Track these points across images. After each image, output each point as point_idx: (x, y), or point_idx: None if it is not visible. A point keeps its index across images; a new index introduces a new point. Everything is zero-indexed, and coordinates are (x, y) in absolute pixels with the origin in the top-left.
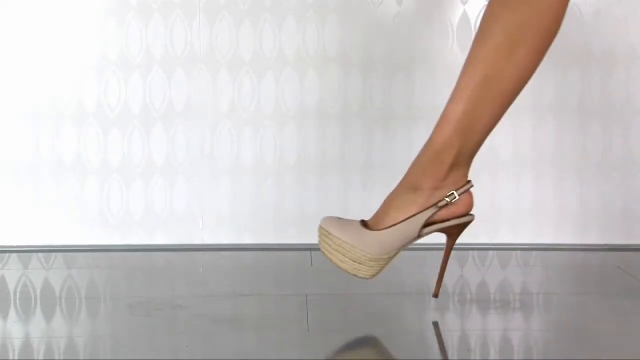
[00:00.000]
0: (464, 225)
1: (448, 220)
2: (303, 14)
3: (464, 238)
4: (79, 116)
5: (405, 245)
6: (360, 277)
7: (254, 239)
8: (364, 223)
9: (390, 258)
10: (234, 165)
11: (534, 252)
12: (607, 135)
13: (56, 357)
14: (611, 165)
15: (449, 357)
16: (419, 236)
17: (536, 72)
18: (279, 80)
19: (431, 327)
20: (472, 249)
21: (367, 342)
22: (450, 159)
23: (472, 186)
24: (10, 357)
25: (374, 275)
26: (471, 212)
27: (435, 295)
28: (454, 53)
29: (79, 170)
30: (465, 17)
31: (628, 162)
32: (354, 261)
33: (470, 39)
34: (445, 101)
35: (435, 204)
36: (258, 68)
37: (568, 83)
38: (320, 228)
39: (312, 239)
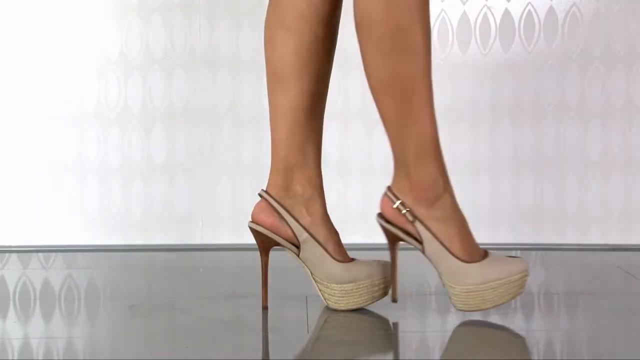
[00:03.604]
0: (257, 237)
1: None
2: None
3: None
4: (79, 116)
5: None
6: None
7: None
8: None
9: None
10: (234, 165)
11: (533, 252)
12: (607, 135)
13: (55, 358)
14: (611, 165)
15: (450, 357)
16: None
17: (536, 72)
18: None
19: (431, 327)
20: None
21: (367, 342)
22: None
23: (259, 194)
24: (10, 358)
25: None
26: (252, 221)
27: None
28: (454, 53)
29: (79, 170)
30: (465, 17)
31: (628, 162)
32: None
33: (470, 39)
34: (445, 100)
35: None
36: (258, 68)
37: (568, 83)
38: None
39: None
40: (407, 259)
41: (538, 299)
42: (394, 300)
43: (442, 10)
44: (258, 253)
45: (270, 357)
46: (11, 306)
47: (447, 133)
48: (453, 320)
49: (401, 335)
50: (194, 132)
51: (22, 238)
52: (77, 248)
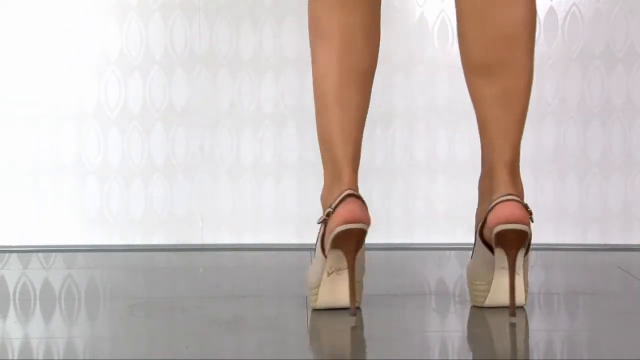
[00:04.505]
0: (353, 238)
1: (326, 236)
2: (303, 14)
3: (464, 237)
4: (79, 116)
5: (332, 269)
6: (313, 308)
7: (254, 239)
8: None
9: (319, 286)
10: (234, 165)
11: (534, 252)
12: (607, 135)
13: (55, 358)
14: (611, 165)
15: (450, 358)
16: (326, 257)
17: (536, 72)
18: (279, 80)
19: (431, 327)
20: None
21: (367, 342)
22: (328, 176)
23: (349, 194)
24: (10, 358)
25: (318, 305)
26: (355, 222)
27: (353, 313)
28: (454, 53)
29: (79, 170)
30: None
31: (628, 162)
32: (308, 295)
33: None
34: (446, 101)
35: (323, 222)
36: (258, 68)
37: (568, 83)
38: None
39: (312, 239)
40: (407, 258)
41: (538, 299)
42: (513, 314)
43: (442, 10)
44: (258, 253)
45: (270, 357)
46: (11, 306)
47: (447, 133)
48: (453, 320)
49: (402, 335)
50: (194, 132)
51: (22, 238)
52: (77, 248)
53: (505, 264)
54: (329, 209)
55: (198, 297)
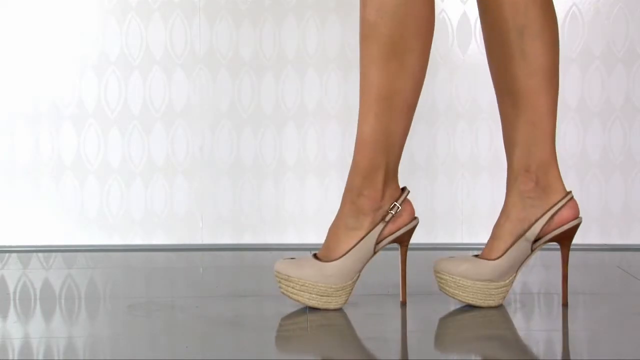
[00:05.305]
0: (413, 230)
1: (397, 230)
2: (303, 14)
3: (464, 238)
4: (79, 116)
5: (364, 266)
6: (333, 309)
7: (254, 239)
8: (315, 256)
9: (354, 282)
10: (234, 165)
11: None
12: (607, 135)
13: (56, 358)
14: (611, 165)
15: (449, 358)
16: (375, 253)
17: None
18: (279, 80)
19: (431, 327)
20: (473, 249)
21: (366, 342)
22: (381, 177)
23: (408, 192)
24: (10, 358)
25: (345, 302)
26: (415, 216)
27: (404, 301)
28: (454, 53)
29: (79, 170)
30: (465, 17)
31: (628, 162)
32: (322, 295)
33: (470, 39)
34: (446, 101)
35: (382, 220)
36: (258, 68)
37: (568, 83)
38: (277, 274)
39: (312, 239)
40: (407, 258)
41: (538, 299)
42: (566, 303)
43: (442, 10)
44: (258, 253)
45: (270, 357)
46: (11, 306)
47: (446, 133)
48: (454, 320)
49: (401, 336)
50: (194, 132)
51: (22, 238)
52: (77, 248)
53: (529, 261)
54: (397, 205)
55: (198, 297)
